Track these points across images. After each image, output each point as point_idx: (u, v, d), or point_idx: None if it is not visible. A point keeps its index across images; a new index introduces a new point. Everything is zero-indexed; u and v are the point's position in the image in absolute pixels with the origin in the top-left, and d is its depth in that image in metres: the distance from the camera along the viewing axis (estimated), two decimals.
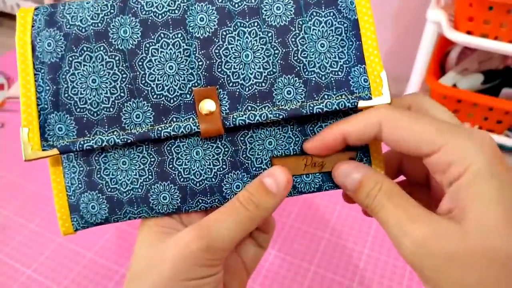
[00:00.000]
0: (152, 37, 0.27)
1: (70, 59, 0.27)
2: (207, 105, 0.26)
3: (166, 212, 0.28)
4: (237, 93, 0.27)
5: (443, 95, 1.15)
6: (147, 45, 0.27)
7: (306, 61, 0.27)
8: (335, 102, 0.26)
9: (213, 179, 0.28)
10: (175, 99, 0.27)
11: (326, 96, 0.27)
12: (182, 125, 0.27)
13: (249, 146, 0.28)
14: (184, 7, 0.27)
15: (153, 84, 0.27)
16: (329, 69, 0.27)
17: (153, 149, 0.27)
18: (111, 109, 0.27)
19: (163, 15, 0.27)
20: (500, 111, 1.14)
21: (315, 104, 0.26)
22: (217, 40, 0.27)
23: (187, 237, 0.25)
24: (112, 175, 0.28)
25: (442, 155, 0.23)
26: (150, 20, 0.27)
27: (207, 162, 0.28)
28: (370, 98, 0.26)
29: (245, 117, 0.26)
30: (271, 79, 0.27)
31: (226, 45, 0.27)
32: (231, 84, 0.27)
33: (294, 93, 0.27)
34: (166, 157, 0.27)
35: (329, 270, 0.50)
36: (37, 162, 0.27)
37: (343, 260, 0.51)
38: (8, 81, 0.79)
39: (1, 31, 1.97)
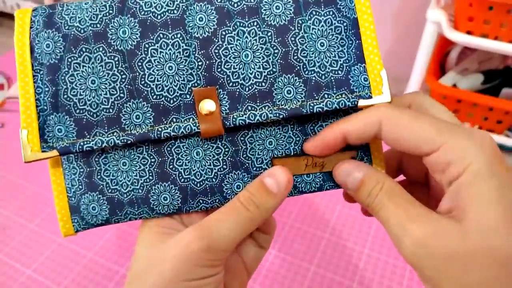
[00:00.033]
0: (151, 37, 0.27)
1: (69, 60, 0.26)
2: (207, 105, 0.26)
3: (166, 212, 0.28)
4: (237, 93, 0.27)
5: (443, 95, 1.15)
6: (146, 46, 0.27)
7: (306, 60, 0.27)
8: (335, 101, 0.26)
9: (214, 179, 0.28)
10: (175, 99, 0.27)
11: (326, 95, 0.27)
12: (182, 125, 0.26)
13: (249, 146, 0.28)
14: (183, 7, 0.27)
15: (153, 84, 0.27)
16: (329, 68, 0.27)
17: (153, 150, 0.27)
18: (111, 110, 0.27)
19: (162, 15, 0.27)
20: (500, 111, 1.14)
21: (315, 103, 0.26)
22: (216, 40, 0.27)
23: (188, 238, 0.25)
24: (112, 176, 0.27)
25: (442, 154, 0.23)
26: (149, 21, 0.27)
27: (207, 162, 0.28)
28: (370, 97, 0.26)
29: (245, 117, 0.26)
30: (271, 79, 0.27)
31: (225, 45, 0.27)
32: (231, 84, 0.27)
33: (294, 92, 0.27)
34: (166, 158, 0.27)
35: (329, 270, 0.50)
36: (37, 163, 0.27)
37: (343, 260, 0.51)
38: (8, 81, 0.79)
39: (1, 31, 1.97)
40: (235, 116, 0.26)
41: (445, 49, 1.25)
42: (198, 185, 0.28)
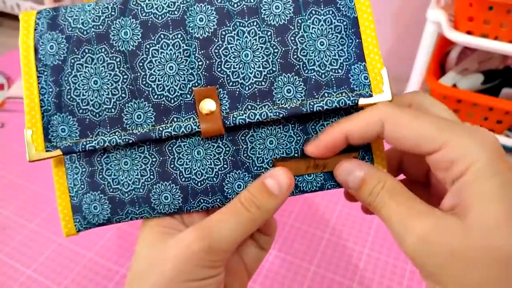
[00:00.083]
0: (152, 38, 0.27)
1: (72, 61, 0.27)
2: (208, 105, 0.26)
3: (167, 212, 0.28)
4: (237, 92, 0.27)
5: (443, 95, 1.15)
6: (148, 46, 0.27)
7: (305, 59, 0.27)
8: (335, 100, 0.26)
9: (214, 179, 0.28)
10: (175, 99, 0.27)
11: (326, 94, 0.27)
12: (183, 125, 0.27)
13: (250, 146, 0.28)
14: (184, 8, 0.27)
15: (154, 84, 0.27)
16: (329, 67, 0.27)
17: (154, 149, 0.28)
18: (113, 110, 0.27)
19: (163, 16, 0.27)
20: (500, 111, 1.14)
21: (315, 102, 0.26)
22: (216, 40, 0.27)
23: (189, 238, 0.25)
24: (114, 175, 0.28)
25: (445, 153, 0.23)
26: (150, 22, 0.27)
27: (208, 161, 0.28)
28: (370, 96, 0.26)
29: (245, 116, 0.26)
30: (271, 78, 0.27)
31: (225, 44, 0.27)
32: (231, 84, 0.27)
33: (294, 91, 0.27)
34: (167, 157, 0.28)
35: (329, 270, 0.50)
36: (37, 163, 0.27)
37: (343, 260, 0.51)
38: (8, 81, 0.79)
39: (1, 31, 1.97)
40: (235, 116, 0.27)
41: (445, 49, 1.25)
42: (199, 184, 0.28)
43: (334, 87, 0.27)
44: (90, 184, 0.28)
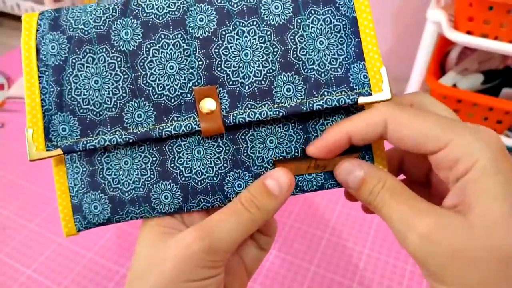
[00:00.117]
0: (153, 38, 0.27)
1: (73, 61, 0.27)
2: (208, 104, 0.26)
3: (168, 211, 0.28)
4: (237, 91, 0.27)
5: (443, 95, 1.15)
6: (148, 46, 0.27)
7: (305, 58, 0.27)
8: (335, 98, 0.26)
9: (215, 178, 0.28)
10: (176, 98, 0.27)
11: (325, 93, 0.27)
12: (183, 124, 0.27)
13: (250, 145, 0.28)
14: (184, 8, 0.27)
15: (154, 84, 0.27)
16: (328, 66, 0.27)
17: (154, 149, 0.28)
18: (113, 109, 0.27)
19: (163, 16, 0.27)
20: (500, 111, 1.14)
21: (315, 101, 0.26)
22: (216, 40, 0.27)
23: (189, 238, 0.25)
24: (114, 175, 0.28)
25: (449, 151, 0.23)
26: (150, 22, 0.27)
27: (208, 161, 0.28)
28: (370, 94, 0.26)
29: (245, 115, 0.27)
30: (271, 77, 0.27)
31: (225, 44, 0.27)
32: (231, 83, 0.27)
33: (293, 90, 0.27)
34: (167, 156, 0.28)
35: (329, 270, 0.50)
36: (37, 162, 0.27)
37: (343, 260, 0.51)
38: (8, 81, 0.79)
39: (1, 31, 1.97)
40: (235, 115, 0.27)
41: (445, 49, 1.25)
42: (199, 183, 0.28)
43: (334, 86, 0.27)
44: (91, 183, 0.28)
